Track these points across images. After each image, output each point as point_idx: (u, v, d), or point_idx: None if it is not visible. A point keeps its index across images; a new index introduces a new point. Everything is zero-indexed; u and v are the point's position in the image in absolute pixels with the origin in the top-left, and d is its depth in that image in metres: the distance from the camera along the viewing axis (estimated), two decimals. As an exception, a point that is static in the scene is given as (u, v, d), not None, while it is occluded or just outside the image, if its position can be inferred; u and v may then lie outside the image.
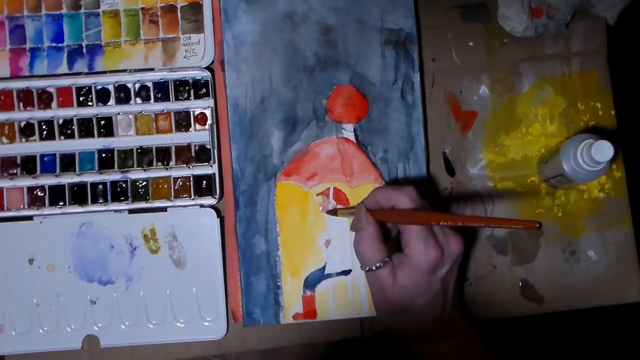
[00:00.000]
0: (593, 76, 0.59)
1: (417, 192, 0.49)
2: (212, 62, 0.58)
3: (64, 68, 0.58)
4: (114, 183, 0.57)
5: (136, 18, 0.58)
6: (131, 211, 0.57)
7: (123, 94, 0.58)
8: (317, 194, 0.56)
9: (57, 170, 0.57)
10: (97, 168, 0.57)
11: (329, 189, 0.56)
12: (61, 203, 0.57)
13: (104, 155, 0.57)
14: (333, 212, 0.54)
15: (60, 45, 0.58)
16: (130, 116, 0.58)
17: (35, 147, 0.57)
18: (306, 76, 0.57)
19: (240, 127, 0.57)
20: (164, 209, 0.57)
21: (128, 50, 0.58)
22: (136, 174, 0.57)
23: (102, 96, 0.58)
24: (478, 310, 0.57)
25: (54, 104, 0.58)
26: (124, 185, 0.57)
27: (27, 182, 0.57)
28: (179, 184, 0.57)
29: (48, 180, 0.57)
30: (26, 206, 0.57)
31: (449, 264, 0.48)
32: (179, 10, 0.58)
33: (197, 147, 0.57)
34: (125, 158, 0.57)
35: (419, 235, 0.47)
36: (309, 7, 0.57)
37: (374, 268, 0.49)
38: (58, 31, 0.58)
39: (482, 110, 0.59)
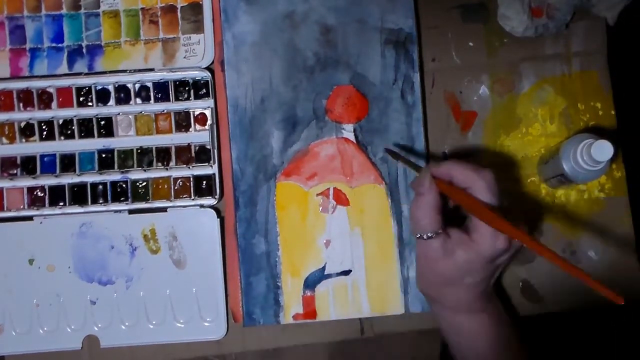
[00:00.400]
0: (593, 76, 0.59)
1: (495, 180, 0.48)
2: (212, 62, 0.58)
3: (64, 68, 0.58)
4: (114, 183, 0.57)
5: (136, 18, 0.58)
6: (131, 211, 0.57)
7: (123, 94, 0.58)
8: (317, 194, 0.56)
9: (57, 171, 0.57)
10: (97, 168, 0.57)
11: (329, 189, 0.56)
12: (61, 203, 0.57)
13: (104, 155, 0.57)
14: (395, 155, 0.54)
15: (60, 45, 0.58)
16: (130, 116, 0.58)
17: (35, 147, 0.57)
18: (306, 76, 0.57)
19: (240, 127, 0.57)
20: (164, 209, 0.57)
21: (128, 50, 0.58)
22: (136, 174, 0.57)
23: (102, 96, 0.58)
24: (478, 310, 0.57)
25: (54, 104, 0.58)
26: (124, 185, 0.57)
27: (27, 182, 0.57)
28: (179, 184, 0.57)
29: (48, 181, 0.57)
30: (26, 206, 0.57)
31: (509, 253, 0.49)
32: (179, 10, 0.58)
33: (197, 148, 0.57)
34: (125, 158, 0.57)
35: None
36: (309, 7, 0.57)
37: (424, 237, 0.48)
38: (58, 31, 0.58)
39: (482, 110, 0.59)
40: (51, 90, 0.58)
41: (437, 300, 0.51)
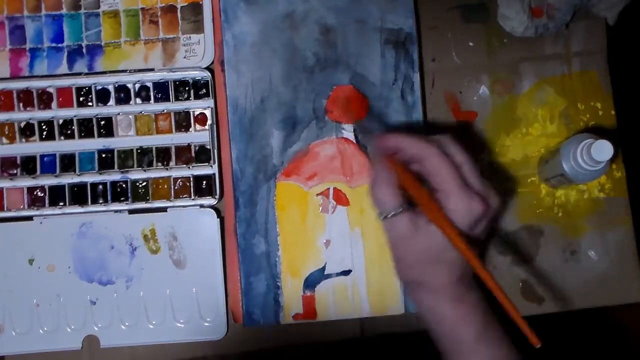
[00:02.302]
0: (593, 76, 0.59)
1: (454, 142, 0.46)
2: (212, 62, 0.58)
3: (64, 68, 0.58)
4: (114, 183, 0.57)
5: (136, 18, 0.58)
6: (131, 211, 0.57)
7: (123, 94, 0.58)
8: (317, 194, 0.56)
9: (57, 171, 0.57)
10: (97, 168, 0.57)
11: (328, 189, 0.56)
12: (61, 203, 0.57)
13: (104, 155, 0.57)
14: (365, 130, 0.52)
15: (60, 45, 0.58)
16: (130, 116, 0.58)
17: (35, 147, 0.57)
18: (306, 76, 0.57)
19: (240, 127, 0.57)
20: (164, 209, 0.57)
21: (128, 50, 0.58)
22: (136, 174, 0.57)
23: (102, 96, 0.58)
24: (478, 310, 0.57)
25: (54, 104, 0.58)
26: (124, 185, 0.57)
27: (27, 182, 0.57)
28: (179, 184, 0.57)
29: (48, 181, 0.57)
30: (26, 206, 0.57)
31: (487, 218, 0.46)
32: (179, 10, 0.58)
33: (197, 148, 0.57)
34: (125, 158, 0.57)
35: (462, 189, 0.44)
36: (309, 7, 0.57)
37: (389, 215, 0.46)
38: (58, 31, 0.58)
39: (482, 110, 0.59)
40: (51, 90, 0.58)
41: (421, 284, 0.48)
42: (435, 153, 0.45)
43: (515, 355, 0.47)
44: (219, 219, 0.56)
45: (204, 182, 0.57)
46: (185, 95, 0.58)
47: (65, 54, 0.58)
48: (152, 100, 0.58)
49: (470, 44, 0.59)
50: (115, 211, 0.57)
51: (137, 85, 0.58)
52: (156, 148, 0.57)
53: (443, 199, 0.45)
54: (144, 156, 0.57)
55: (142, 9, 0.58)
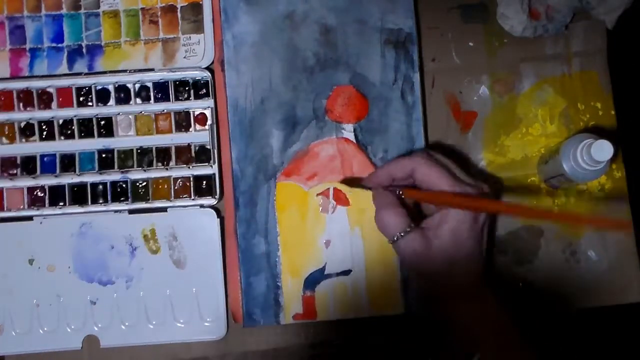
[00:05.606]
0: (593, 76, 0.59)
1: (431, 154, 0.50)
2: (212, 62, 0.58)
3: (64, 68, 0.58)
4: (114, 183, 0.57)
5: (136, 18, 0.58)
6: (131, 211, 0.57)
7: (123, 94, 0.58)
8: (317, 194, 0.56)
9: (57, 171, 0.57)
10: (97, 168, 0.57)
11: (329, 189, 0.56)
12: (61, 203, 0.57)
13: (104, 155, 0.57)
14: (350, 182, 0.55)
15: (60, 45, 0.58)
16: (130, 116, 0.58)
17: (35, 147, 0.57)
18: (306, 76, 0.57)
19: (240, 128, 0.57)
20: (164, 209, 0.57)
21: (128, 50, 0.58)
22: (136, 174, 0.57)
23: (102, 96, 0.58)
24: (478, 310, 0.57)
25: (54, 104, 0.58)
26: (124, 185, 0.57)
27: (27, 182, 0.57)
28: (179, 184, 0.57)
29: (48, 181, 0.57)
30: (26, 206, 0.57)
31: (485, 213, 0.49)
32: (179, 10, 0.58)
33: (197, 148, 0.57)
34: (125, 158, 0.57)
35: (456, 183, 0.48)
36: (309, 7, 0.57)
37: (401, 235, 0.49)
38: (58, 31, 0.58)
39: (482, 110, 0.59)
40: (51, 90, 0.58)
41: (446, 286, 0.50)
42: (423, 162, 0.49)
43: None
44: (219, 219, 0.56)
45: (204, 182, 0.57)
46: (185, 95, 0.58)
47: (65, 54, 0.58)
48: (152, 100, 0.58)
49: (470, 44, 0.59)
50: (115, 211, 0.57)
51: (137, 85, 0.58)
52: (156, 148, 0.57)
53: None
54: (144, 156, 0.57)
55: (142, 9, 0.58)
